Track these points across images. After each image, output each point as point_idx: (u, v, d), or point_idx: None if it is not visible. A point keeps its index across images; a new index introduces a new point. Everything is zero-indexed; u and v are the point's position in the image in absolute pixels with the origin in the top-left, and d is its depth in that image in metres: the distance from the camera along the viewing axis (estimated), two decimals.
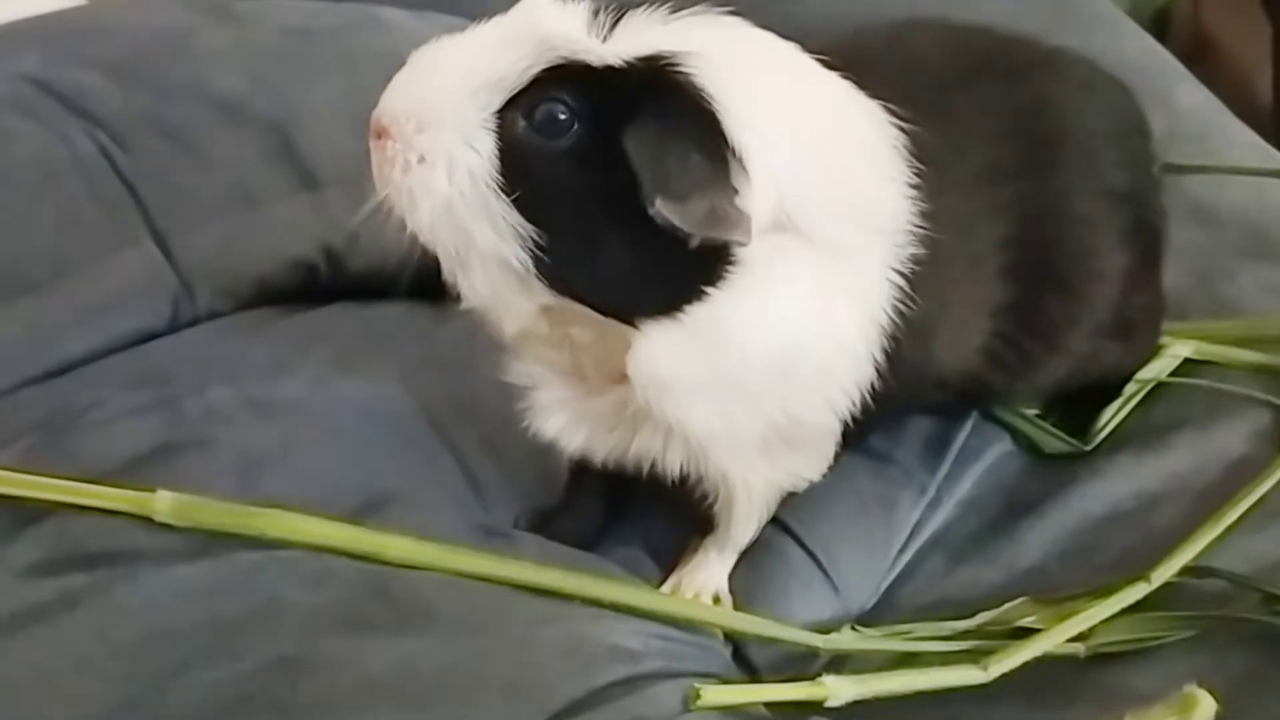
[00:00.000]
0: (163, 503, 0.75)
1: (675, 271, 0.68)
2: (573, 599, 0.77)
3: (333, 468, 0.84)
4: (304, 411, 0.89)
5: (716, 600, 0.87)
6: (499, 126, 0.66)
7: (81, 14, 1.33)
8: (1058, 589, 0.83)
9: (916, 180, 0.74)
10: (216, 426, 0.86)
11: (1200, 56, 1.56)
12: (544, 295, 0.69)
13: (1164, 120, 1.27)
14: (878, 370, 0.75)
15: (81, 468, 0.80)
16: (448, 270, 0.71)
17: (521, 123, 0.66)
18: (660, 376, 0.71)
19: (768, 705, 0.76)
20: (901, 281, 0.74)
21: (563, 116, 0.65)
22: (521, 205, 0.66)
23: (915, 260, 0.74)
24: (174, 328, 1.00)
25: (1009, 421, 0.99)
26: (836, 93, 0.73)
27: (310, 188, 1.08)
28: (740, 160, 0.65)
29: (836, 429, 0.78)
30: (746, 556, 0.88)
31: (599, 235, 0.67)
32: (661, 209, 0.63)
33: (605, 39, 0.65)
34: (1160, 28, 1.87)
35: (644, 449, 0.78)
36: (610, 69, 0.65)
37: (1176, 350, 1.00)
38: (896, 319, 0.74)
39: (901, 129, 0.74)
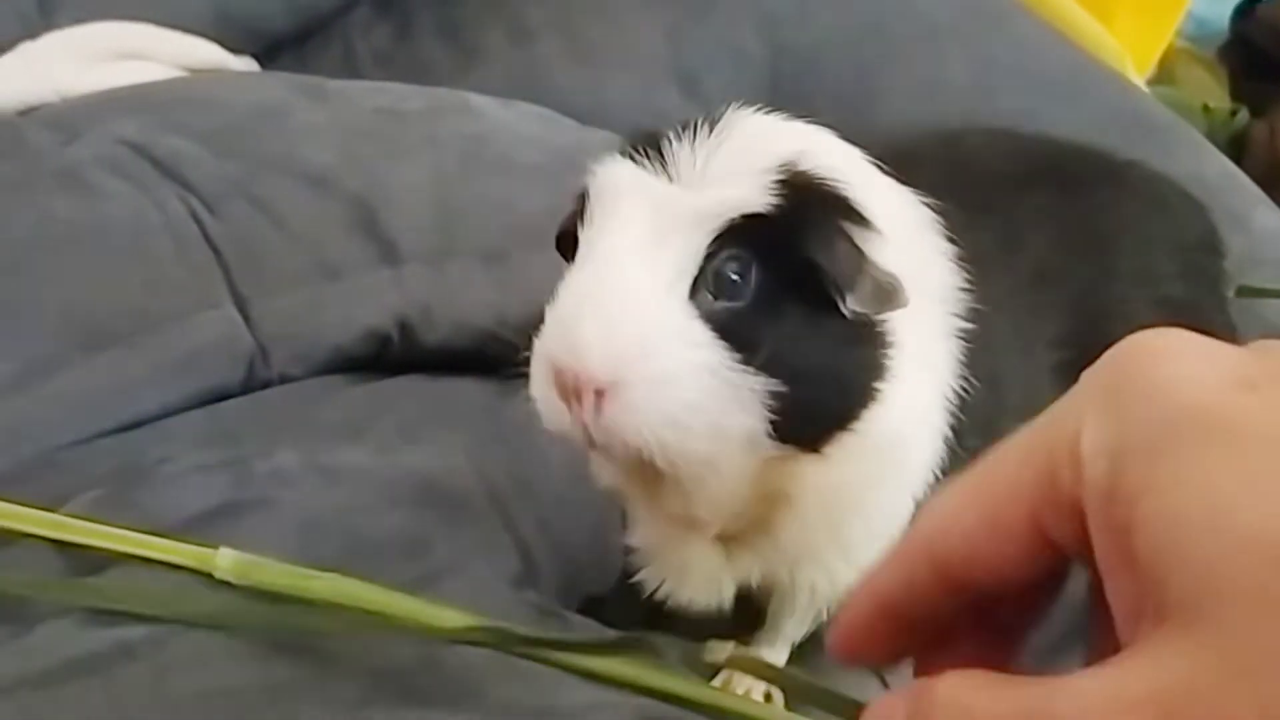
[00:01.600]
0: (224, 560, 0.76)
1: (863, 374, 0.68)
2: (625, 687, 0.75)
3: (392, 537, 0.85)
4: (367, 479, 0.90)
5: (768, 698, 0.85)
6: (699, 316, 0.65)
7: (181, 85, 1.38)
8: None
9: (967, 277, 0.75)
10: (282, 488, 0.87)
11: (1276, 182, 1.55)
12: (767, 448, 0.67)
13: (1241, 243, 1.27)
14: (948, 451, 0.75)
15: (147, 521, 0.81)
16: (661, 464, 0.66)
17: (711, 299, 0.65)
18: (828, 493, 0.71)
19: None
20: (961, 368, 0.74)
21: (737, 276, 0.65)
22: (752, 370, 0.65)
23: (971, 350, 0.74)
24: (247, 389, 1.02)
25: None
26: (898, 192, 0.74)
27: (390, 262, 1.10)
28: (873, 228, 0.67)
29: (909, 517, 0.77)
30: (802, 651, 0.86)
31: (810, 363, 0.66)
32: (853, 304, 0.64)
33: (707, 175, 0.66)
34: (1236, 152, 1.87)
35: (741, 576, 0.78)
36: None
37: None
38: (959, 404, 0.74)
39: (951, 228, 0.75)
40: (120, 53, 1.42)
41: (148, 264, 1.05)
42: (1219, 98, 2.18)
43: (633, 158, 0.68)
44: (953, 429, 0.75)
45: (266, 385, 1.03)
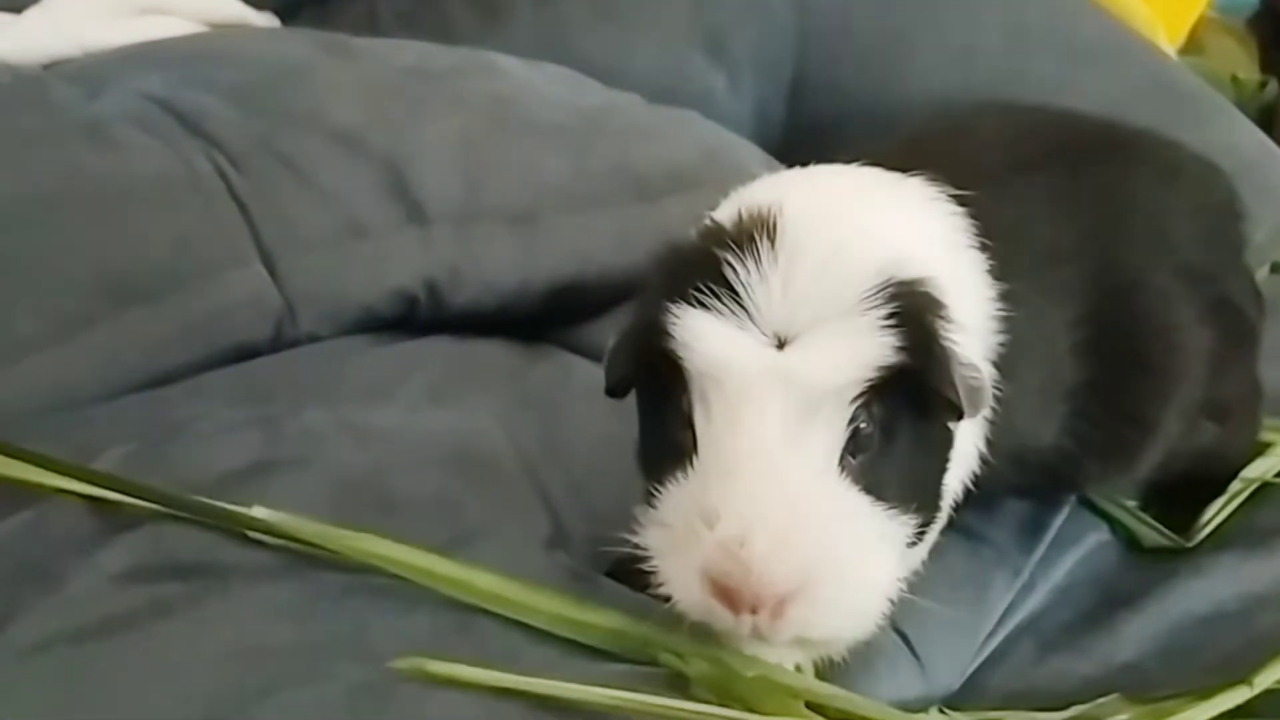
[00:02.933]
0: (258, 519, 0.76)
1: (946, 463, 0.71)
2: (653, 648, 0.75)
3: (424, 498, 0.84)
4: (398, 440, 0.90)
5: (798, 668, 0.85)
6: (849, 481, 0.64)
7: (205, 41, 1.37)
8: (1153, 687, 0.80)
9: (987, 265, 0.75)
10: (312, 447, 0.86)
11: None
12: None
13: (1275, 216, 1.25)
14: (981, 454, 0.75)
15: (178, 478, 0.81)
16: None
17: (852, 459, 0.64)
18: None
19: None
20: (996, 374, 0.72)
21: (868, 427, 0.64)
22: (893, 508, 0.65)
23: (1004, 352, 0.74)
24: (275, 347, 1.01)
25: (1107, 511, 0.97)
26: (912, 213, 0.74)
27: (418, 222, 1.09)
28: (960, 325, 0.66)
29: (943, 519, 0.77)
30: None
31: (920, 475, 0.68)
32: (969, 416, 0.65)
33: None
34: (1266, 123, 1.85)
35: None
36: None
37: None
38: (995, 410, 0.73)
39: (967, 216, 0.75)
40: (143, 8, 1.41)
41: (175, 220, 1.04)
42: (1248, 69, 2.16)
43: (702, 302, 0.64)
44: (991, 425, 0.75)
45: (295, 345, 1.02)
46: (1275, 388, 1.01)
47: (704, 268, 0.65)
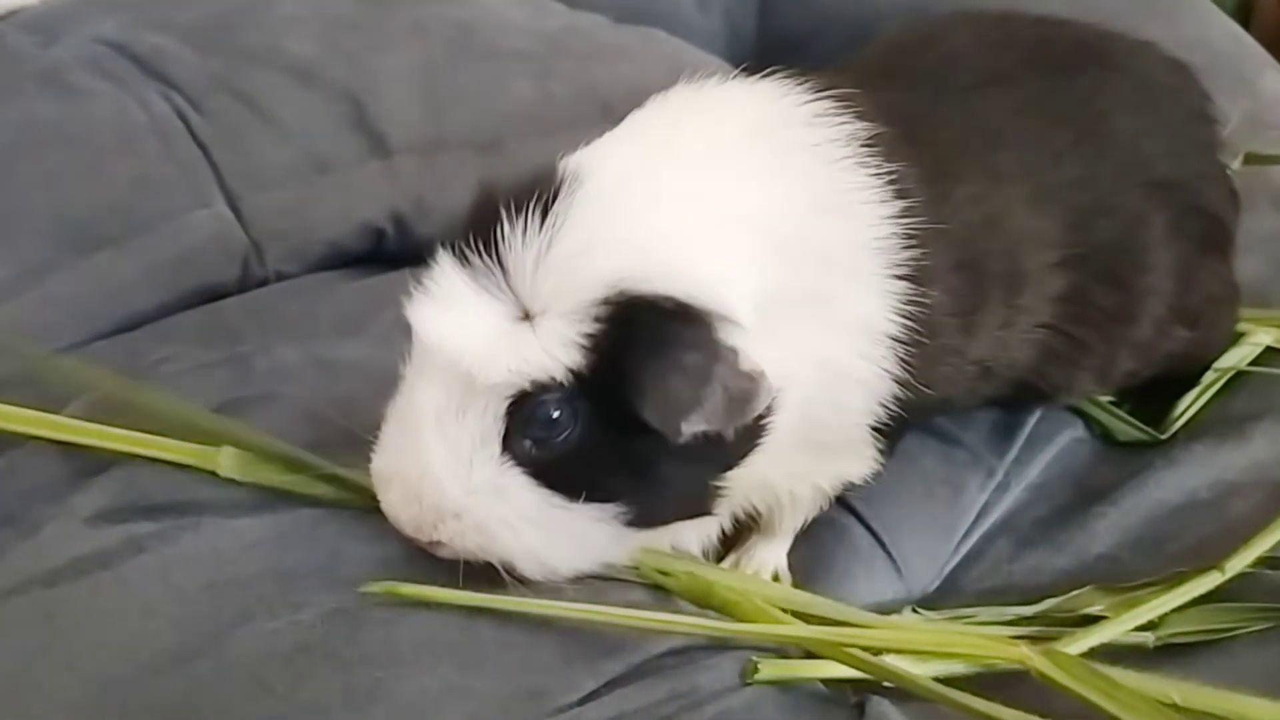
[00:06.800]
0: (227, 457, 0.76)
1: (714, 472, 0.69)
2: (632, 568, 0.76)
3: None
4: (369, 372, 0.89)
5: (776, 577, 0.86)
6: (517, 464, 0.66)
7: None
8: (1128, 578, 0.81)
9: (916, 187, 0.72)
10: (283, 383, 0.86)
11: None
12: (642, 538, 0.71)
13: (1248, 107, 1.24)
14: (899, 379, 0.73)
15: (149, 420, 0.81)
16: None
17: (529, 445, 0.65)
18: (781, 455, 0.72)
19: (824, 681, 0.75)
20: (911, 288, 0.71)
21: (556, 413, 0.64)
22: (589, 495, 0.66)
23: (926, 264, 0.72)
24: (243, 287, 1.01)
25: (1082, 408, 0.97)
26: (775, 148, 0.71)
27: (380, 154, 1.09)
28: (724, 316, 0.64)
29: (867, 436, 0.77)
30: (809, 534, 0.87)
31: (663, 474, 0.67)
32: (686, 431, 0.63)
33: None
34: (1244, 15, 1.82)
35: None
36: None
37: (1257, 338, 0.98)
38: (915, 325, 0.72)
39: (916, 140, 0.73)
40: None
41: (135, 164, 1.03)
42: None
43: (465, 255, 0.65)
44: (907, 355, 0.73)
45: (263, 283, 1.02)
46: (1251, 278, 1.01)
47: (481, 221, 0.66)
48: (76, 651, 0.66)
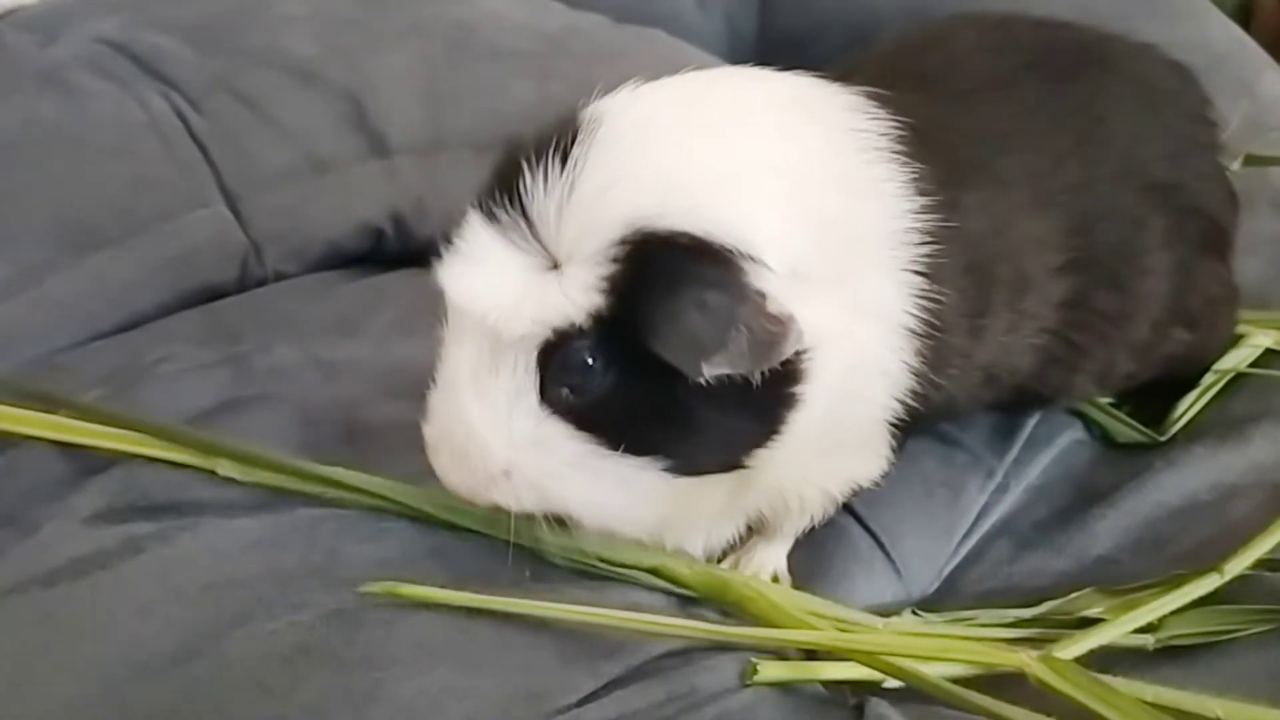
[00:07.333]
0: (226, 457, 0.76)
1: (751, 425, 0.67)
2: (632, 568, 0.76)
3: (393, 430, 0.84)
4: (366, 373, 0.90)
5: (775, 579, 0.86)
6: (555, 413, 0.65)
7: None
8: (1128, 580, 0.81)
9: (933, 188, 0.72)
10: (281, 383, 0.86)
11: None
12: (690, 493, 0.70)
13: (1248, 109, 1.24)
14: (917, 373, 0.73)
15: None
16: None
17: (566, 393, 0.65)
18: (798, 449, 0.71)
19: (824, 683, 0.75)
20: (927, 284, 0.71)
21: (589, 358, 0.64)
22: (627, 446, 0.65)
23: (941, 263, 0.71)
24: (242, 287, 1.01)
25: (1081, 409, 0.97)
26: (809, 119, 0.71)
27: (380, 154, 1.09)
28: (753, 258, 0.63)
29: (883, 433, 0.77)
30: (808, 536, 0.87)
31: (697, 419, 0.66)
32: (709, 373, 0.62)
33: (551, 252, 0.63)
34: (1244, 17, 1.82)
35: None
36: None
37: (1257, 340, 0.98)
38: (929, 322, 0.71)
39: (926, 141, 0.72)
40: None
41: (134, 164, 1.03)
42: None
43: (491, 211, 0.65)
44: (923, 352, 0.72)
45: (262, 283, 1.02)
46: (1251, 281, 1.00)
47: (505, 176, 0.65)
48: (75, 652, 0.66)
